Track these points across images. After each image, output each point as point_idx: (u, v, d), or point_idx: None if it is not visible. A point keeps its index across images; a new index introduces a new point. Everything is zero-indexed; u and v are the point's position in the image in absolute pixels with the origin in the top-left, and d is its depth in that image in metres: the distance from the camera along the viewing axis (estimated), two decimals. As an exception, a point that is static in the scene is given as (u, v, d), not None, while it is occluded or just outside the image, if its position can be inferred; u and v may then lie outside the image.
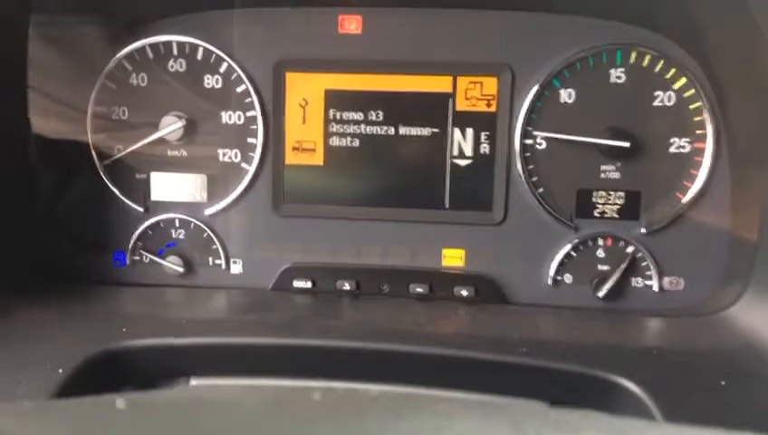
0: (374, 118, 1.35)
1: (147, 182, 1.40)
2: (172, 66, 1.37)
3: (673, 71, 1.29)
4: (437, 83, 1.34)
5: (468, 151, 1.35)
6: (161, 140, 1.37)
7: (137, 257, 1.42)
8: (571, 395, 1.08)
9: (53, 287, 1.31)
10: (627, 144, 1.28)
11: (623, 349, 1.15)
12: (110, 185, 1.40)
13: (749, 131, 1.24)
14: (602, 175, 1.33)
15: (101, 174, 1.39)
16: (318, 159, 1.37)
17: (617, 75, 1.31)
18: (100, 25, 1.37)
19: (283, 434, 0.36)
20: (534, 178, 1.34)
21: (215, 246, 1.41)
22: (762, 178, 1.21)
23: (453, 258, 1.38)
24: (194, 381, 1.14)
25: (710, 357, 1.11)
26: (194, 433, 0.37)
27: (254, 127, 1.37)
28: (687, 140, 1.30)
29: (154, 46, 1.37)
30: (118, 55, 1.36)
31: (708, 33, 1.25)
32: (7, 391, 0.95)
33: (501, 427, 0.35)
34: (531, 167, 1.34)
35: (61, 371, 1.00)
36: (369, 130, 1.35)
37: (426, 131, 1.35)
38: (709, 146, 1.29)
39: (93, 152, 1.39)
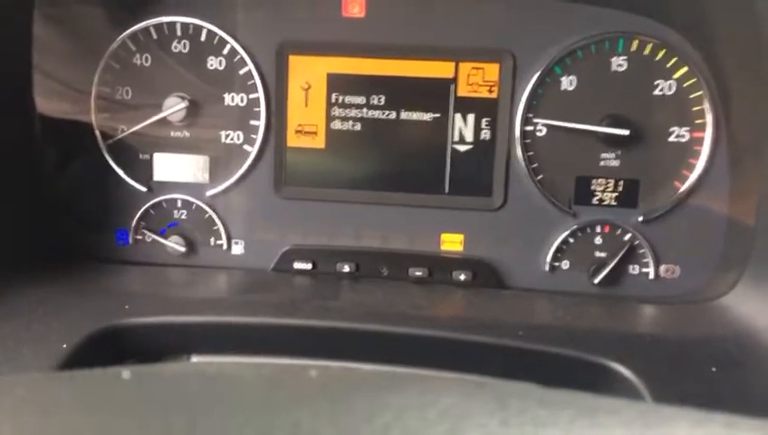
0: (376, 102, 1.36)
1: (150, 162, 1.41)
2: (176, 47, 1.38)
3: (674, 60, 1.30)
4: (440, 69, 1.34)
5: (469, 137, 1.36)
6: (164, 121, 1.38)
7: (139, 237, 1.44)
8: (564, 379, 1.10)
9: (57, 265, 1.33)
10: (626, 132, 1.29)
11: (617, 335, 1.16)
12: (113, 165, 1.41)
13: (749, 122, 1.25)
14: (601, 163, 1.34)
15: (105, 154, 1.40)
16: (320, 142, 1.38)
17: (618, 63, 1.31)
18: (104, 6, 1.38)
19: (280, 407, 0.38)
20: (534, 165, 1.35)
21: (216, 227, 1.43)
22: (760, 169, 1.22)
23: (452, 243, 1.39)
24: (195, 359, 1.17)
25: (703, 344, 1.13)
26: (194, 403, 0.39)
27: (257, 109, 1.38)
28: (687, 129, 1.31)
29: (158, 27, 1.37)
30: (122, 35, 1.37)
31: (712, 24, 1.25)
32: (12, 364, 0.97)
33: (486, 403, 0.37)
34: (531, 153, 1.35)
35: (65, 346, 1.02)
36: (371, 114, 1.36)
37: (427, 116, 1.36)
38: (708, 135, 1.30)
39: (97, 132, 1.40)
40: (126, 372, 0.42)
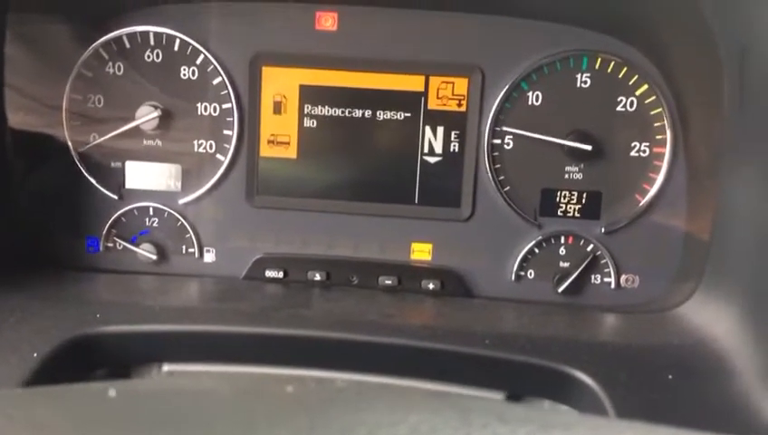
0: (347, 114, 1.38)
1: (122, 171, 1.42)
2: (149, 56, 1.38)
3: (635, 77, 1.35)
4: (410, 82, 1.37)
5: (438, 149, 1.39)
6: (137, 130, 1.39)
7: (110, 244, 1.44)
8: (529, 386, 1.14)
9: (27, 273, 1.33)
10: (589, 148, 1.33)
11: (580, 343, 1.20)
12: (84, 172, 1.41)
13: (705, 142, 1.31)
14: (566, 176, 1.38)
15: (76, 162, 1.41)
16: (292, 152, 1.40)
17: (582, 80, 1.36)
18: (74, 24, 1.38)
19: (259, 424, 0.40)
20: (501, 177, 1.39)
21: (188, 235, 1.43)
22: (716, 183, 1.27)
23: (421, 252, 1.42)
24: (166, 367, 1.17)
25: (661, 352, 1.18)
26: (174, 420, 0.41)
27: (230, 119, 1.39)
28: (647, 144, 1.36)
29: (131, 36, 1.38)
30: (94, 45, 1.37)
31: (670, 46, 1.31)
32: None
33: (451, 420, 0.40)
34: (498, 166, 1.39)
35: (35, 355, 1.03)
36: (343, 125, 1.38)
37: (398, 128, 1.38)
38: (668, 151, 1.35)
39: (69, 140, 1.40)
40: (112, 391, 0.44)
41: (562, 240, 1.40)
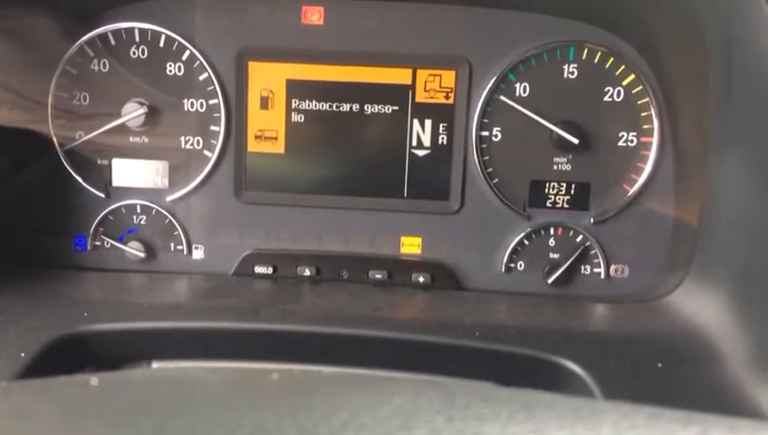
0: (335, 108, 1.38)
1: (108, 168, 1.41)
2: (134, 53, 1.38)
3: (622, 67, 1.35)
4: (398, 75, 1.37)
5: (427, 142, 1.39)
6: (123, 127, 1.38)
7: (98, 243, 1.43)
8: (519, 377, 1.14)
9: (14, 272, 1.32)
10: (576, 140, 1.33)
11: (570, 333, 1.20)
12: (70, 170, 1.40)
13: (692, 130, 1.31)
14: (554, 167, 1.38)
15: (62, 160, 1.40)
16: (279, 147, 1.40)
17: (570, 71, 1.36)
18: (58, 16, 1.37)
19: (244, 408, 0.40)
20: (490, 169, 1.39)
21: (176, 232, 1.43)
22: (703, 173, 1.27)
23: (411, 246, 1.42)
24: (155, 365, 1.17)
25: (650, 341, 1.18)
26: (162, 407, 0.41)
27: (217, 115, 1.39)
28: (635, 134, 1.36)
29: (116, 33, 1.37)
30: (79, 41, 1.36)
31: (658, 36, 1.31)
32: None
33: (434, 401, 0.40)
34: (486, 158, 1.39)
35: (23, 354, 1.02)
36: (330, 119, 1.38)
37: (386, 122, 1.38)
38: (655, 140, 1.36)
39: (54, 138, 1.39)
40: (94, 379, 0.43)
41: (552, 231, 1.40)
